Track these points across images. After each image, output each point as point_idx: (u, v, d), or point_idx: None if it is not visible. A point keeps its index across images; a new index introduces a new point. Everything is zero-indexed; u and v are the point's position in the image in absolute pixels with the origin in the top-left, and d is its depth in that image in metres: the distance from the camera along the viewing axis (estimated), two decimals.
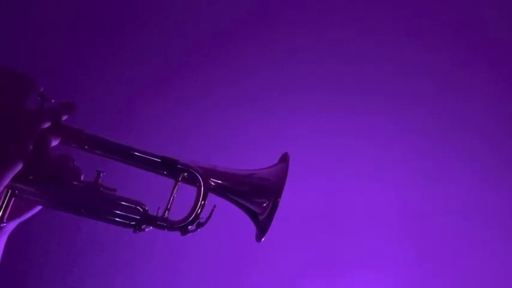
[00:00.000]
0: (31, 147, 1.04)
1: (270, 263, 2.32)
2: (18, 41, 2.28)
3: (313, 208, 2.31)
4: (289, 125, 2.32)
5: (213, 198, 1.17)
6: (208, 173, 1.16)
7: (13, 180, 1.04)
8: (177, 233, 2.24)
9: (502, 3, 2.35)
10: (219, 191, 1.18)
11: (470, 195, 2.31)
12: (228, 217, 2.25)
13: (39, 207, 1.19)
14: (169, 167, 1.15)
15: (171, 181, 1.16)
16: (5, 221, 1.15)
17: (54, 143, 1.12)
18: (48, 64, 2.25)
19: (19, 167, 1.03)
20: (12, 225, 1.20)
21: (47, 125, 1.07)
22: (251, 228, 2.25)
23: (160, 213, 1.16)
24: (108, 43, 2.35)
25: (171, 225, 1.15)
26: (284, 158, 1.24)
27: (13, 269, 2.25)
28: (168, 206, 1.16)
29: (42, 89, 1.09)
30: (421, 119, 2.34)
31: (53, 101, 1.11)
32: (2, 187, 1.02)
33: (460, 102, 2.34)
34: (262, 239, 1.19)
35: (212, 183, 1.17)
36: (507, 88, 2.35)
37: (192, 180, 1.16)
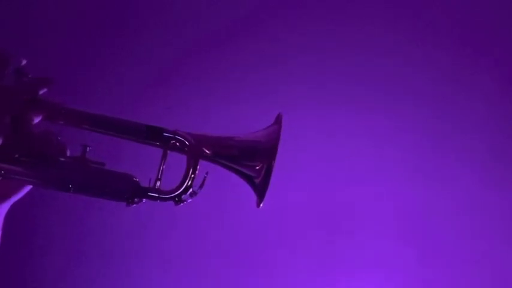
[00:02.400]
0: (9, 123, 1.03)
1: (270, 263, 2.31)
2: (18, 41, 2.28)
3: (313, 208, 2.31)
4: (289, 124, 2.30)
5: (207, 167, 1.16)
6: (197, 139, 1.15)
7: None
8: (179, 232, 2.26)
9: (504, 3, 2.35)
10: (210, 157, 1.16)
11: (470, 195, 2.30)
12: (228, 215, 2.26)
13: (28, 187, 1.17)
14: (156, 135, 1.14)
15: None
16: None
17: (36, 119, 1.10)
18: (48, 64, 2.24)
19: None
20: (4, 208, 1.19)
21: (24, 98, 1.07)
22: (251, 228, 2.25)
23: (151, 185, 1.14)
24: (108, 43, 2.36)
25: (163, 196, 1.13)
26: (277, 120, 1.22)
27: (14, 270, 2.25)
28: (159, 176, 1.14)
29: (24, 63, 1.08)
30: (422, 118, 2.33)
31: (29, 76, 1.09)
32: None
33: (461, 102, 2.34)
34: (261, 205, 1.16)
35: (202, 150, 1.15)
36: (508, 88, 2.34)
37: (181, 148, 1.14)
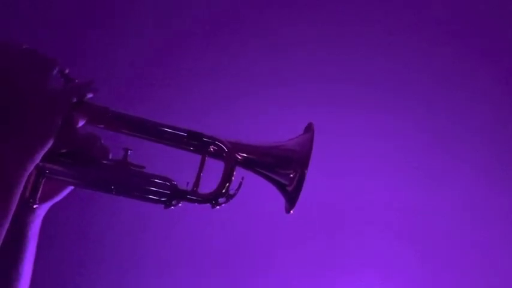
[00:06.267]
0: (60, 124, 1.04)
1: (271, 262, 2.31)
2: (15, 36, 2.24)
3: (313, 208, 2.30)
4: (289, 124, 2.30)
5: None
6: (234, 146, 1.18)
7: (43, 160, 1.04)
8: (180, 231, 2.24)
9: (506, 3, 2.36)
10: (246, 163, 1.19)
11: (471, 195, 2.32)
12: (227, 218, 2.24)
13: (70, 188, 1.22)
14: (195, 140, 1.16)
15: (198, 159, 1.17)
16: (37, 202, 1.17)
17: (81, 122, 1.13)
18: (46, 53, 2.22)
19: (50, 144, 1.03)
20: (44, 209, 1.23)
21: (73, 100, 1.08)
22: (249, 227, 2.24)
23: (189, 188, 1.17)
24: (109, 35, 2.34)
25: (201, 199, 1.16)
26: (309, 128, 1.25)
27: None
28: (197, 181, 1.17)
29: (67, 71, 1.10)
30: (422, 118, 2.35)
31: (76, 81, 1.11)
32: (34, 165, 1.02)
33: (461, 101, 2.35)
34: (291, 211, 1.19)
35: (239, 157, 1.18)
36: (508, 88, 2.36)
37: (218, 154, 1.17)
